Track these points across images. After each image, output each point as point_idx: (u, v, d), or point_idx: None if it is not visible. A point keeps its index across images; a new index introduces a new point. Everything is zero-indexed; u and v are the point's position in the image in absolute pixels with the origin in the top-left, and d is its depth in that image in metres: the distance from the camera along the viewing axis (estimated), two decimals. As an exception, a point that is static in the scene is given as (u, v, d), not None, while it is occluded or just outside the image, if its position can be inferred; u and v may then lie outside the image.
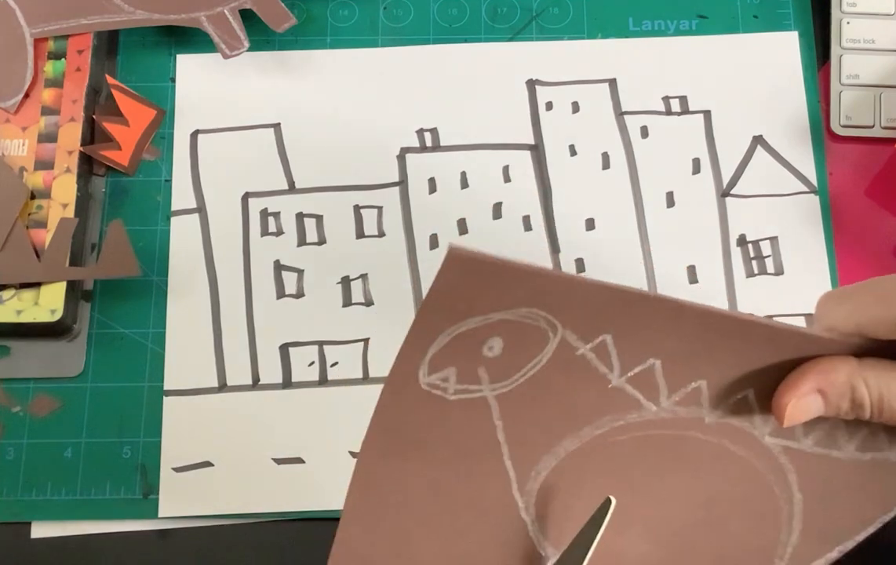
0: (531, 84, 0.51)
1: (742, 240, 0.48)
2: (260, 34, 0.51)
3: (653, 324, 0.27)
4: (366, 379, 0.46)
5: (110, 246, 0.46)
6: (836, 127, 0.50)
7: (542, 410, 0.29)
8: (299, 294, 0.48)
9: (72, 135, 0.49)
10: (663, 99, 0.50)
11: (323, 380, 0.46)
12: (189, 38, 0.52)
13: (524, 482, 0.30)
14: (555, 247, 0.48)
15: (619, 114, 0.50)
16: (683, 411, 0.29)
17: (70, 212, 0.47)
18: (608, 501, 0.29)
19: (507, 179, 0.49)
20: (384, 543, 0.30)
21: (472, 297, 0.24)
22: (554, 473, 0.30)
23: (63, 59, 0.50)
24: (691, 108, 0.50)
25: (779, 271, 0.48)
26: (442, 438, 0.28)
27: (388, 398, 0.27)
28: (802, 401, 0.28)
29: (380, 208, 0.49)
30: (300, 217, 0.49)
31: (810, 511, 0.32)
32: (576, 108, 0.50)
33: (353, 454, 0.45)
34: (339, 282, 0.48)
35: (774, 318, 0.47)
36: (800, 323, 0.47)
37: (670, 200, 0.49)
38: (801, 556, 0.33)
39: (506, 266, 0.23)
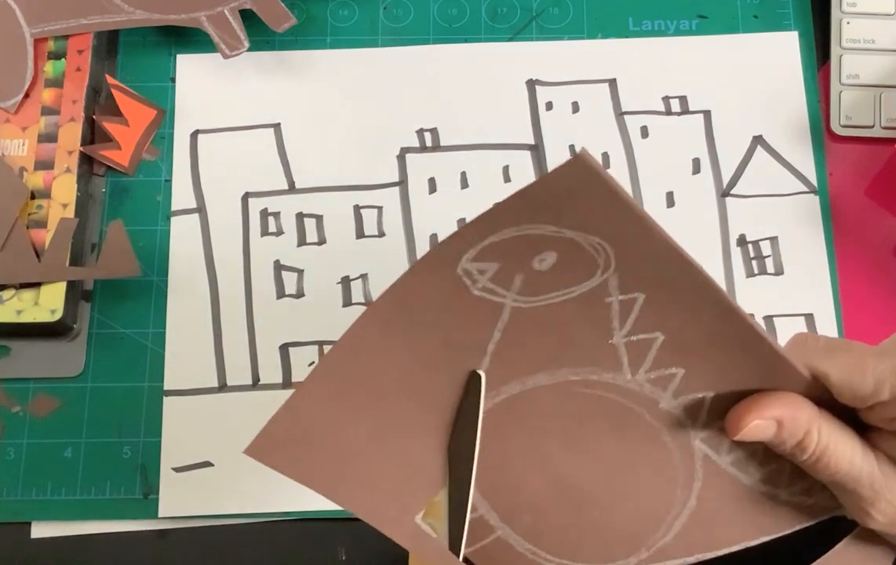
0: (531, 84, 0.51)
1: (742, 240, 0.48)
2: (260, 34, 0.51)
3: (686, 303, 0.27)
4: (366, 379, 0.46)
5: (110, 246, 0.46)
6: (836, 127, 0.50)
7: (538, 339, 0.29)
8: (299, 294, 0.48)
9: (72, 135, 0.49)
10: (663, 99, 0.50)
11: (323, 380, 0.46)
12: (189, 38, 0.52)
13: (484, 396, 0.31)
14: (555, 247, 0.48)
15: (619, 114, 0.50)
16: (649, 389, 0.30)
17: (70, 212, 0.47)
18: (477, 376, 0.30)
19: (507, 179, 0.49)
20: (335, 420, 0.30)
21: (566, 207, 0.25)
22: (512, 399, 0.31)
23: (63, 59, 0.50)
24: (691, 108, 0.50)
25: (779, 271, 0.48)
26: (441, 327, 0.28)
27: (418, 272, 0.27)
28: (762, 423, 0.30)
29: (380, 208, 0.49)
30: (300, 217, 0.49)
31: (696, 519, 0.34)
32: (576, 108, 0.50)
33: (353, 454, 0.45)
34: (339, 282, 0.48)
35: (774, 318, 0.47)
36: (800, 323, 0.47)
37: (670, 200, 0.49)
38: (664, 552, 0.34)
39: (619, 194, 0.24)
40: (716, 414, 0.31)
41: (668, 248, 0.26)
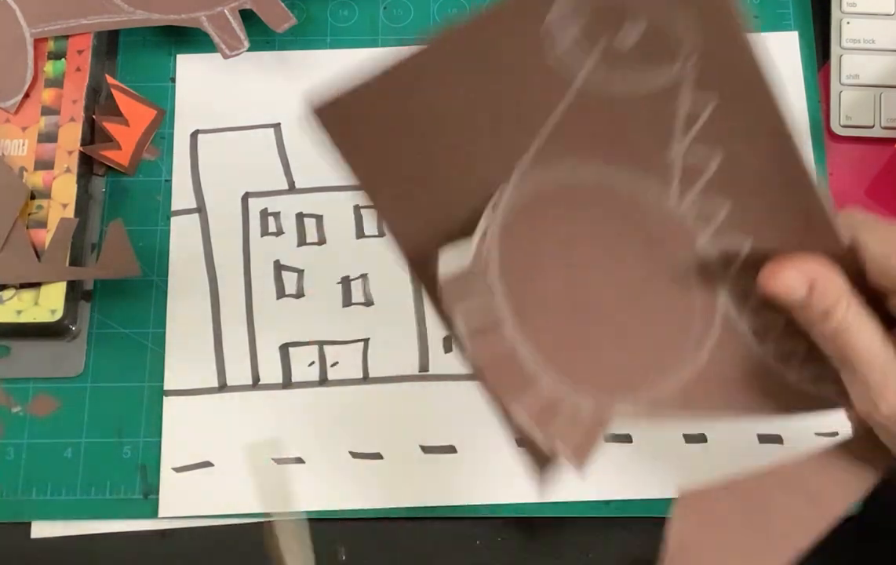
0: (531, 84, 0.51)
1: (742, 240, 0.48)
2: (260, 34, 0.51)
3: (750, 123, 0.27)
4: (366, 379, 0.46)
5: (110, 246, 0.46)
6: (836, 127, 0.50)
7: (599, 127, 0.28)
8: (299, 294, 0.48)
9: (72, 135, 0.49)
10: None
11: (323, 380, 0.46)
12: (189, 38, 0.52)
13: (530, 170, 0.30)
14: (555, 247, 0.48)
15: None
16: (691, 220, 0.30)
17: (70, 212, 0.47)
18: None
19: (507, 179, 0.49)
20: (396, 123, 0.30)
21: None
22: (555, 191, 0.30)
23: (63, 59, 0.50)
24: (691, 108, 0.50)
25: (779, 271, 0.48)
26: (510, 81, 0.28)
27: (505, 14, 0.26)
28: (796, 278, 0.30)
29: (380, 208, 0.49)
30: (300, 217, 0.49)
31: (700, 377, 0.33)
32: (576, 107, 0.50)
33: (353, 454, 0.45)
34: (339, 282, 0.48)
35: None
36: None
37: (670, 200, 0.49)
38: (660, 403, 0.34)
39: None
40: (748, 268, 0.31)
41: (752, 54, 0.25)
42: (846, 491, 0.34)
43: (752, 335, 0.32)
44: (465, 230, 0.31)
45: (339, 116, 0.29)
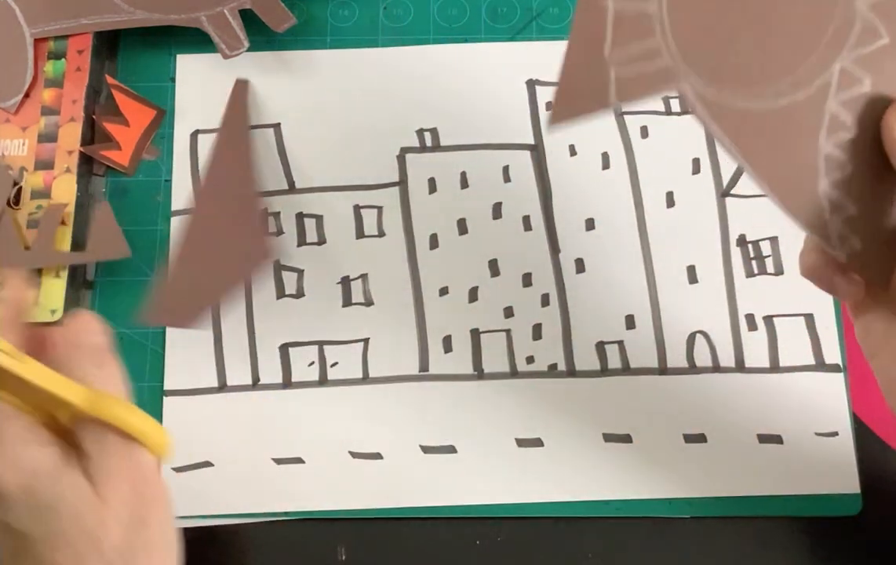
0: (531, 84, 0.51)
1: (742, 241, 0.48)
2: (260, 34, 0.51)
3: None
4: (366, 379, 0.46)
5: (99, 229, 0.45)
6: (836, 127, 0.50)
7: None
8: (299, 294, 0.48)
9: (72, 135, 0.49)
10: (663, 99, 0.50)
11: (323, 380, 0.46)
12: (189, 38, 0.52)
13: None
14: (555, 248, 0.48)
15: (619, 114, 0.50)
16: None
17: (70, 212, 0.47)
18: None
19: (506, 179, 0.49)
20: None
21: None
22: None
23: (63, 59, 0.50)
24: (691, 108, 0.50)
25: (779, 271, 0.48)
26: None
27: None
28: None
29: (380, 208, 0.49)
30: (300, 217, 0.49)
31: (784, 114, 0.33)
32: (576, 107, 0.50)
33: (353, 454, 0.45)
34: (339, 282, 0.48)
35: (774, 318, 0.47)
36: (800, 323, 0.47)
37: (670, 200, 0.49)
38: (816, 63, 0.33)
39: None
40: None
41: None
42: None
43: (825, 161, 0.33)
44: None
45: None
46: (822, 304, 0.47)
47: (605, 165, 0.49)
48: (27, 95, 0.49)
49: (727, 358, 0.46)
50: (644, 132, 0.50)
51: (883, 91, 0.32)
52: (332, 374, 0.46)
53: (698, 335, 0.47)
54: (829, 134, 0.32)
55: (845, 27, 0.32)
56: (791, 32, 0.32)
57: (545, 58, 0.51)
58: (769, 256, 0.48)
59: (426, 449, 0.45)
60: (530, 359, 0.46)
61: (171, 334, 0.47)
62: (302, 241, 0.49)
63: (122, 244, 0.45)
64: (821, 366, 0.46)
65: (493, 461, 0.45)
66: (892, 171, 0.32)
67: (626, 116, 0.50)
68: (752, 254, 0.48)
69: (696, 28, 0.32)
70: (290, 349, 0.47)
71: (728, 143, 0.32)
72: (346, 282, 0.48)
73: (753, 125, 0.32)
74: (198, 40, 0.51)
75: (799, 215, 0.33)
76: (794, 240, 0.48)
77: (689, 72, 0.32)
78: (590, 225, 0.48)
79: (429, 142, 0.50)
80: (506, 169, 0.49)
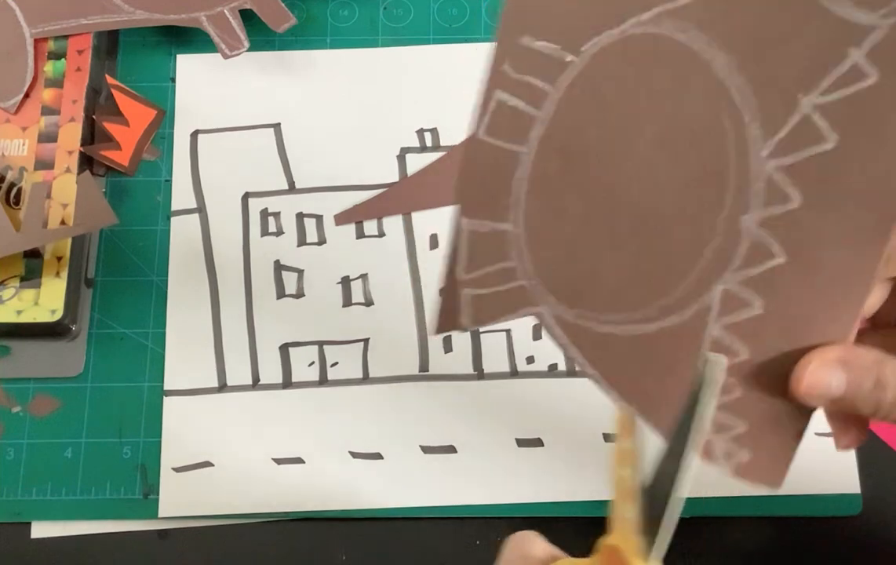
0: (531, 84, 0.51)
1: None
2: (260, 34, 0.51)
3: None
4: (366, 379, 0.46)
5: (82, 200, 0.45)
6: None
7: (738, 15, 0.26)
8: (299, 294, 0.48)
9: (72, 135, 0.49)
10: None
11: (323, 380, 0.46)
12: (189, 38, 0.52)
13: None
14: (555, 247, 0.48)
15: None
16: (760, 186, 0.27)
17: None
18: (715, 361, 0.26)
19: (507, 179, 0.49)
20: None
21: None
22: (626, 39, 0.29)
23: (63, 59, 0.50)
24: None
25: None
26: None
27: None
28: (825, 369, 0.27)
29: (380, 208, 0.49)
30: (300, 217, 0.49)
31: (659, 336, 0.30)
32: (576, 107, 0.50)
33: (353, 454, 0.45)
34: (339, 282, 0.48)
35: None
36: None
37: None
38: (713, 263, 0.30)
39: None
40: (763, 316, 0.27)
41: None
42: None
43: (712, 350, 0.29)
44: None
45: None
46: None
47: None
48: (27, 95, 0.49)
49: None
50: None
51: (781, 317, 0.28)
52: (332, 374, 0.46)
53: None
54: None
55: (728, 246, 0.28)
56: (663, 253, 0.29)
57: (545, 58, 0.51)
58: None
59: (426, 449, 0.45)
60: (530, 359, 0.46)
61: (171, 334, 0.47)
62: (302, 241, 0.49)
63: (107, 212, 0.45)
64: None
65: (493, 461, 0.45)
66: (791, 396, 0.28)
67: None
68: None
69: (556, 248, 0.30)
70: (290, 349, 0.47)
71: (590, 370, 0.30)
72: (346, 282, 0.48)
73: (619, 350, 0.30)
74: (198, 40, 0.51)
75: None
76: None
77: (547, 294, 0.30)
78: (590, 225, 0.48)
79: (429, 143, 0.50)
80: (506, 169, 0.49)
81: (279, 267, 0.48)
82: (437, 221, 0.49)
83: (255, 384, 0.46)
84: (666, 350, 0.29)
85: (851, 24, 0.24)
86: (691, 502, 0.44)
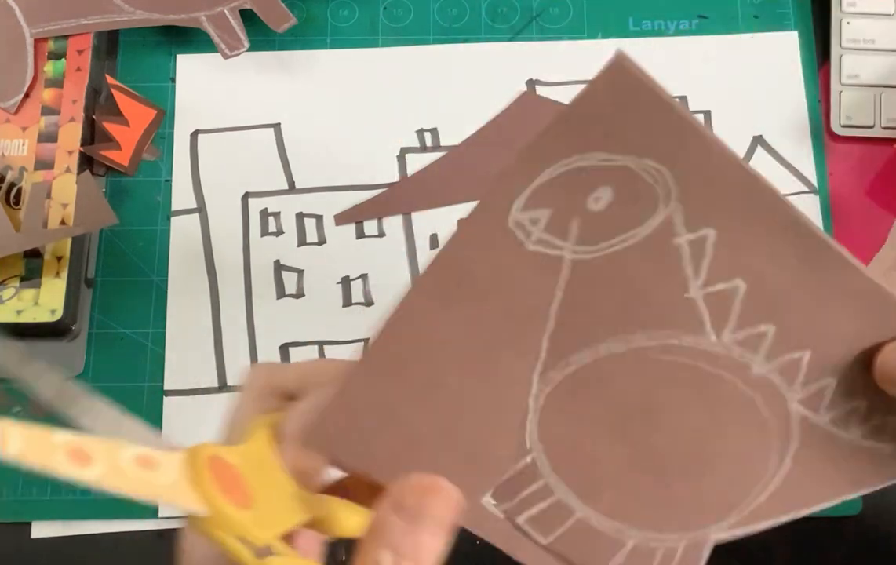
0: (531, 84, 0.51)
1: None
2: (260, 34, 0.51)
3: (761, 232, 0.25)
4: (366, 379, 0.46)
5: (82, 200, 0.45)
6: (836, 127, 0.50)
7: (606, 296, 0.27)
8: (299, 294, 0.48)
9: (72, 135, 0.49)
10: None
11: (323, 380, 0.46)
12: (189, 38, 0.52)
13: (550, 368, 0.28)
14: (555, 247, 0.48)
15: None
16: (738, 353, 0.28)
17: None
18: None
19: (507, 179, 0.49)
20: (392, 404, 0.28)
21: (611, 126, 0.23)
22: (583, 370, 0.28)
23: (63, 59, 0.50)
24: (691, 108, 0.50)
25: None
26: (498, 292, 0.26)
27: (467, 232, 0.25)
28: None
29: (380, 208, 0.49)
30: (300, 217, 0.49)
31: (790, 479, 0.32)
32: (576, 107, 0.50)
33: (353, 454, 0.45)
34: (339, 282, 0.48)
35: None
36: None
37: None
38: (756, 515, 0.32)
39: (664, 101, 0.22)
40: (817, 372, 0.29)
41: (730, 165, 0.23)
42: None
43: (834, 427, 0.31)
44: (503, 458, 0.29)
45: (328, 437, 0.27)
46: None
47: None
48: (27, 95, 0.49)
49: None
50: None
51: None
52: (332, 374, 0.46)
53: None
54: None
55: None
56: (731, 478, 0.31)
57: (545, 58, 0.51)
58: None
59: (426, 450, 0.45)
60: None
61: (171, 334, 0.47)
62: (302, 241, 0.48)
63: (107, 211, 0.45)
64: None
65: (493, 461, 0.45)
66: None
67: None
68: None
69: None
70: (290, 349, 0.47)
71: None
72: (346, 282, 0.48)
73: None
74: (198, 40, 0.51)
75: None
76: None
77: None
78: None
79: (429, 143, 0.50)
80: (506, 169, 0.49)
81: (279, 267, 0.48)
82: (437, 221, 0.49)
83: (255, 384, 0.46)
84: None
85: None
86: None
